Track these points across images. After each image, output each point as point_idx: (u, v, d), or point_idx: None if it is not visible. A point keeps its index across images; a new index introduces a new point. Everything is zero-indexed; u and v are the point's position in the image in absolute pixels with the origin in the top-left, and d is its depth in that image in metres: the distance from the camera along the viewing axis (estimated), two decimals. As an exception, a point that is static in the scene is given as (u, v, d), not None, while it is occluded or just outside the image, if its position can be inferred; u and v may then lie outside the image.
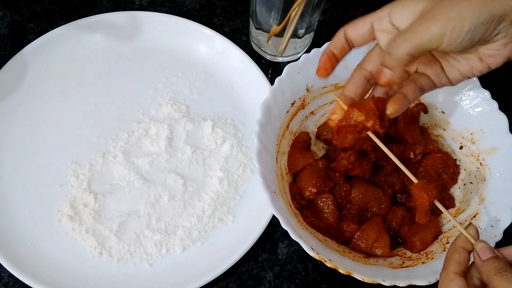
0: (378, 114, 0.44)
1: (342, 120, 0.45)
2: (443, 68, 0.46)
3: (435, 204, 0.53)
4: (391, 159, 0.58)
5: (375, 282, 0.47)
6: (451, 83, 0.47)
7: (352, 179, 0.57)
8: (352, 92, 0.47)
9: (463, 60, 0.44)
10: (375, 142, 0.47)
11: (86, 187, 0.60)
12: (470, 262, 0.43)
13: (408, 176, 0.47)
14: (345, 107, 0.45)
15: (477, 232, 0.43)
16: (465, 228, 0.43)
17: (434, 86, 0.47)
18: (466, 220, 0.54)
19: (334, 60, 0.47)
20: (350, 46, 0.47)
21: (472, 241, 0.42)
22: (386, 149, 0.47)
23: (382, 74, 0.43)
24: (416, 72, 0.47)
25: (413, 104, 0.61)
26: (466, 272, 0.42)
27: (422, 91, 0.47)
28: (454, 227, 0.55)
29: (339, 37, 0.46)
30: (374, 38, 0.46)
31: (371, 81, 0.47)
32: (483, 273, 0.40)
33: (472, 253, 0.42)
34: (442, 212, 0.57)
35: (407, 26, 0.41)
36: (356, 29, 0.46)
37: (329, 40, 0.57)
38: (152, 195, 0.59)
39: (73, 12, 0.72)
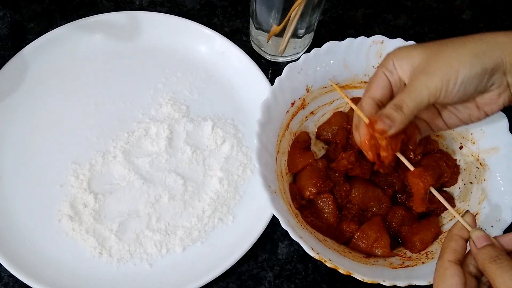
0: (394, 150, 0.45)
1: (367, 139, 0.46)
2: (441, 115, 0.49)
3: (435, 204, 0.53)
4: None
5: (375, 282, 0.47)
6: (448, 127, 0.49)
7: (352, 179, 0.57)
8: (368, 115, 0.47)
9: (462, 108, 0.47)
10: None
11: (86, 187, 0.60)
12: (467, 250, 0.43)
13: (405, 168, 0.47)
14: (367, 120, 0.46)
15: (474, 219, 0.44)
16: (462, 216, 0.44)
17: (431, 130, 0.50)
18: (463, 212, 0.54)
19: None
20: (379, 106, 0.47)
21: (469, 228, 0.42)
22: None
23: (383, 122, 0.44)
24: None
25: None
26: (462, 260, 0.42)
27: (420, 134, 0.50)
28: (454, 227, 0.55)
29: (368, 103, 0.46)
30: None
31: (380, 106, 0.47)
32: (478, 261, 0.40)
33: (468, 241, 0.42)
34: (442, 212, 0.57)
35: (408, 85, 0.44)
36: (378, 88, 0.46)
37: (329, 40, 0.57)
38: (152, 195, 0.59)
39: (73, 12, 0.72)
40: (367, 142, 0.46)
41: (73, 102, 0.65)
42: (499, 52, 0.42)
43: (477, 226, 0.44)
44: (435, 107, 0.49)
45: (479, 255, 0.40)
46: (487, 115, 0.46)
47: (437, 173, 0.55)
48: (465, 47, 0.43)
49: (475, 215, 0.54)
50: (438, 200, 0.56)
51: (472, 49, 0.42)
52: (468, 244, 0.42)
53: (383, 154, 0.45)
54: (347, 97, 0.51)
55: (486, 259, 0.39)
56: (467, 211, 0.45)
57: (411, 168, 0.47)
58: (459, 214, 0.45)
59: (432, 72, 0.42)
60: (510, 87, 0.44)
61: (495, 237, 0.41)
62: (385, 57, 0.47)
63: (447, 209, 0.57)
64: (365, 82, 0.59)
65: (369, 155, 0.46)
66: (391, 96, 0.47)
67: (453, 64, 0.42)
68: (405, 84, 0.46)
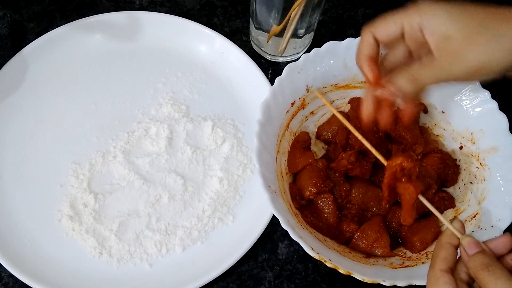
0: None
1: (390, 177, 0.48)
2: None
3: (434, 204, 0.53)
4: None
5: (375, 282, 0.47)
6: None
7: (352, 179, 0.57)
8: (368, 51, 0.46)
9: None
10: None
11: (86, 187, 0.60)
12: (457, 257, 0.42)
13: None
14: (385, 162, 0.48)
15: (463, 226, 0.43)
16: (451, 223, 0.43)
17: None
18: (466, 220, 0.54)
19: (375, 63, 0.46)
20: (378, 45, 0.46)
21: (459, 235, 0.42)
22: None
23: (390, 88, 0.44)
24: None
25: None
26: (453, 268, 0.41)
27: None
28: (454, 227, 0.55)
29: (369, 41, 0.45)
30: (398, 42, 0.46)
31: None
32: (470, 269, 0.40)
33: (459, 248, 0.42)
34: (441, 212, 0.57)
35: (436, 62, 0.42)
36: (386, 30, 0.45)
37: (329, 40, 0.57)
38: (152, 195, 0.59)
39: (73, 12, 0.72)
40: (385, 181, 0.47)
41: (73, 102, 0.65)
42: None
43: (477, 226, 0.44)
44: None
45: (470, 262, 0.40)
46: None
47: (426, 182, 0.55)
48: (502, 42, 0.40)
49: (475, 215, 0.54)
50: (438, 200, 0.56)
51: (506, 45, 0.40)
52: (458, 250, 0.42)
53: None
54: (332, 107, 0.52)
55: (478, 266, 0.39)
56: (455, 217, 0.44)
57: (384, 162, 0.48)
58: (458, 217, 0.45)
59: (466, 60, 0.40)
60: None
61: (484, 242, 0.41)
62: (415, 9, 0.43)
63: (447, 209, 0.57)
64: (366, 82, 0.59)
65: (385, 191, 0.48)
66: (393, 44, 0.45)
67: (486, 58, 0.40)
68: (421, 44, 0.44)
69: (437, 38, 0.42)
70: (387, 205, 0.51)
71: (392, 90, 0.43)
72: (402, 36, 0.45)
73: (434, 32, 0.42)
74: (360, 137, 0.50)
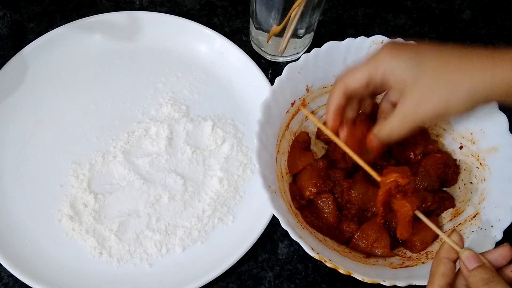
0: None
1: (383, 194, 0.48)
2: None
3: (435, 204, 0.53)
4: (391, 159, 0.58)
5: (375, 282, 0.47)
6: None
7: (352, 179, 0.57)
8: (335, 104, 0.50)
9: None
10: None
11: (86, 187, 0.60)
12: (456, 270, 0.42)
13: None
14: (378, 178, 0.48)
15: (462, 239, 0.43)
16: (449, 236, 0.43)
17: None
18: (466, 220, 0.54)
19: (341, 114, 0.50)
20: (348, 99, 0.50)
21: (458, 249, 0.42)
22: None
23: (371, 141, 0.50)
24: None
25: None
26: (452, 284, 0.41)
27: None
28: (454, 227, 0.55)
29: (339, 91, 0.49)
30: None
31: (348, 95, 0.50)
32: (470, 284, 0.40)
33: (458, 261, 0.42)
34: (442, 212, 0.57)
35: (400, 113, 0.46)
36: (354, 78, 0.48)
37: (329, 40, 0.57)
38: (152, 195, 0.59)
39: (73, 12, 0.72)
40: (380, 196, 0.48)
41: (73, 102, 0.65)
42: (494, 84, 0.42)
43: (477, 227, 0.43)
44: None
45: (471, 278, 0.40)
46: None
47: (421, 195, 0.55)
48: (463, 81, 0.43)
49: (475, 215, 0.54)
50: (438, 200, 0.56)
51: (468, 88, 0.42)
52: (457, 263, 0.42)
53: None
54: (320, 123, 0.53)
55: (478, 282, 0.39)
56: (454, 230, 0.44)
57: (378, 178, 0.49)
58: (445, 232, 0.45)
59: (424, 104, 0.44)
60: None
61: (483, 254, 0.41)
62: (377, 57, 0.47)
63: (447, 209, 0.57)
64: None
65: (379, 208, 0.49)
66: (363, 89, 0.49)
67: (448, 102, 0.43)
68: (382, 86, 0.48)
69: (399, 85, 0.46)
70: (382, 221, 0.51)
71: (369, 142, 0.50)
72: (369, 85, 0.48)
73: (395, 80, 0.46)
74: (351, 153, 0.50)
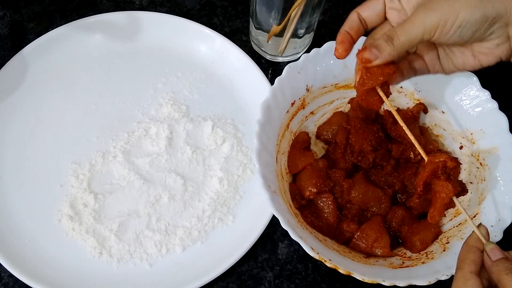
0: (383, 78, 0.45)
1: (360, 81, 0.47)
2: (439, 56, 0.48)
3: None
4: (391, 159, 0.58)
5: (375, 282, 0.47)
6: (444, 71, 0.48)
7: (352, 179, 0.57)
8: (349, 28, 0.47)
9: (458, 53, 0.46)
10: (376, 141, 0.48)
11: (86, 187, 0.60)
12: None
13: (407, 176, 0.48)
14: (426, 157, 0.47)
15: (488, 232, 0.44)
16: (478, 227, 0.44)
17: (427, 71, 0.49)
18: (466, 220, 0.54)
19: (351, 40, 0.47)
20: (364, 26, 0.47)
21: (484, 241, 0.43)
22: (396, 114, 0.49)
23: (370, 52, 0.44)
24: (414, 53, 0.49)
25: (412, 104, 0.62)
26: (479, 273, 0.42)
27: (415, 72, 0.49)
28: (454, 227, 0.55)
29: (353, 18, 0.47)
30: (386, 18, 0.47)
31: (364, 26, 0.48)
32: (493, 273, 0.40)
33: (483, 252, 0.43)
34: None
35: (407, 18, 0.43)
36: (369, 8, 0.46)
37: (329, 40, 0.57)
38: (152, 195, 0.59)
39: (73, 12, 0.72)
40: (357, 68, 0.46)
41: (73, 102, 0.65)
42: (505, 3, 0.41)
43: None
44: (434, 46, 0.48)
45: (494, 267, 0.41)
46: (482, 65, 0.46)
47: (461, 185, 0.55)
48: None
49: (475, 215, 0.54)
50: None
51: None
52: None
53: (362, 80, 0.46)
54: (392, 107, 0.50)
55: (502, 270, 0.40)
56: (481, 223, 0.45)
57: (425, 157, 0.47)
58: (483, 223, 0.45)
59: (432, 8, 0.42)
60: (511, 40, 0.43)
61: (506, 252, 0.42)
62: None
63: (447, 209, 0.57)
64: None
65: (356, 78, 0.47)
66: (378, 22, 0.47)
67: (455, 5, 0.41)
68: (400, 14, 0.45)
69: (412, 2, 0.44)
70: (417, 200, 0.51)
71: (367, 55, 0.44)
72: (384, 13, 0.46)
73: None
74: (405, 127, 0.48)
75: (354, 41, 0.47)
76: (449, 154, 0.50)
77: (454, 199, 0.47)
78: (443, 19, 0.41)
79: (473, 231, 0.44)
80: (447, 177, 0.47)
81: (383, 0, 0.46)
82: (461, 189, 0.49)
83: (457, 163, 0.47)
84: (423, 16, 0.42)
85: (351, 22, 0.47)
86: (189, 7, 0.73)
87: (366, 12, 0.46)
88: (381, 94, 0.47)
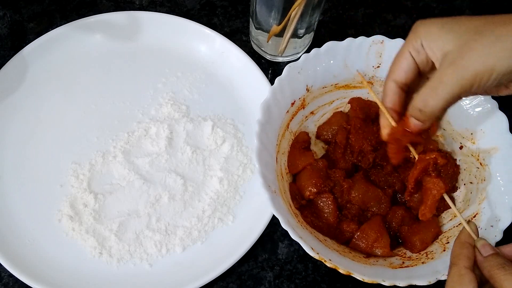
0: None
1: (392, 134, 0.47)
2: None
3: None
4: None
5: (375, 282, 0.47)
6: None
7: (352, 179, 0.57)
8: (391, 103, 0.47)
9: (493, 89, 0.44)
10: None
11: (86, 187, 0.60)
12: None
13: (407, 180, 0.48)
14: (394, 124, 0.47)
15: (477, 229, 0.44)
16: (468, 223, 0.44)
17: None
18: (466, 220, 0.54)
19: (401, 132, 0.47)
20: (403, 89, 0.46)
21: (474, 237, 0.43)
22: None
23: (411, 123, 0.44)
24: None
25: None
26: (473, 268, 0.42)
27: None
28: (454, 227, 0.55)
29: (391, 89, 0.46)
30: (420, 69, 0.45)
31: (405, 89, 0.47)
32: (484, 269, 0.40)
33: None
34: (442, 212, 0.57)
35: (435, 78, 0.41)
36: (402, 70, 0.45)
37: (329, 40, 0.57)
38: (152, 195, 0.59)
39: (73, 12, 0.72)
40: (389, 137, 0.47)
41: (73, 102, 0.65)
42: None
43: (477, 227, 0.44)
44: None
45: (485, 262, 0.41)
46: None
47: (452, 183, 0.55)
48: (503, 40, 0.39)
49: (475, 215, 0.54)
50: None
51: (509, 44, 0.39)
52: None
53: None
54: (375, 95, 0.51)
55: (493, 266, 0.40)
56: (469, 220, 0.45)
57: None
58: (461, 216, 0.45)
59: (465, 67, 0.40)
60: None
61: (497, 247, 0.42)
62: (412, 33, 0.44)
63: (447, 209, 0.57)
64: (367, 82, 0.59)
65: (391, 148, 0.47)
66: (417, 76, 0.45)
67: (488, 60, 0.39)
68: (433, 64, 0.44)
69: (437, 54, 0.42)
70: (408, 198, 0.51)
71: (411, 126, 0.45)
72: (416, 65, 0.45)
73: (433, 49, 0.43)
74: (393, 123, 0.47)
75: (401, 114, 0.47)
76: (446, 153, 0.50)
77: (445, 196, 0.48)
78: (478, 76, 0.39)
79: (463, 228, 0.44)
80: (438, 174, 0.48)
81: (409, 55, 0.44)
82: (452, 186, 0.49)
83: (447, 160, 0.47)
84: (456, 76, 0.40)
85: (392, 95, 0.45)
86: (189, 7, 0.73)
87: (401, 76, 0.45)
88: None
